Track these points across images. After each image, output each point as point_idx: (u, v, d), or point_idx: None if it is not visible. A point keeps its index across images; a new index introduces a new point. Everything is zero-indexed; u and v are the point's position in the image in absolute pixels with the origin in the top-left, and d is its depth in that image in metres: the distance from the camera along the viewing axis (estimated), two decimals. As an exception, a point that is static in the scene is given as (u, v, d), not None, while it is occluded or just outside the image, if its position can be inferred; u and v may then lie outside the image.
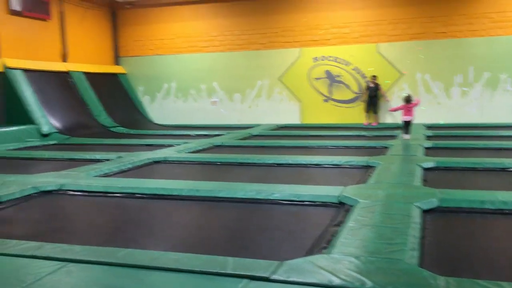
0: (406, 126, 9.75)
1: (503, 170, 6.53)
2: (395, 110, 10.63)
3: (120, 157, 8.21)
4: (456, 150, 8.57)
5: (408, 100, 9.81)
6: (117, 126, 14.58)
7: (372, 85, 14.14)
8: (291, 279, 2.80)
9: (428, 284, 2.66)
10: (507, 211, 4.39)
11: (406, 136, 9.69)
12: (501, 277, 2.88)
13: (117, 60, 17.14)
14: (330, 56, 14.96)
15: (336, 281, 2.75)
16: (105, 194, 5.65)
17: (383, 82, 14.42)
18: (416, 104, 9.91)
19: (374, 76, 14.18)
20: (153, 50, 16.71)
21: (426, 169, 6.57)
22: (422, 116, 13.90)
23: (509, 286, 2.61)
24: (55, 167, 7.55)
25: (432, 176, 6.20)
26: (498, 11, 13.49)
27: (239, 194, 5.21)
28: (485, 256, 3.36)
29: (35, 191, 5.68)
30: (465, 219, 4.28)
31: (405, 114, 9.76)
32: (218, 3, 15.80)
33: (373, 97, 14.13)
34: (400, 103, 10.86)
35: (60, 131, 12.67)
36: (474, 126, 12.80)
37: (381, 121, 14.51)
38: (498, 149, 8.57)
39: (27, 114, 12.19)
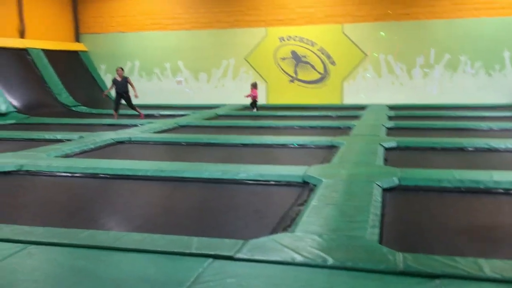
0: (252, 104, 12.80)
1: (461, 149, 6.76)
2: (248, 96, 12.84)
3: (82, 137, 8.03)
4: (417, 130, 8.80)
5: (255, 86, 12.82)
6: (79, 105, 14.22)
7: (119, 79, 11.10)
8: (254, 257, 2.83)
9: (387, 260, 2.76)
10: (463, 189, 4.56)
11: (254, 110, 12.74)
12: (456, 253, 3.00)
13: (77, 37, 16.61)
14: (296, 36, 14.96)
15: (298, 258, 2.81)
16: (66, 174, 5.54)
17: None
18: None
19: (121, 69, 11.43)
20: (114, 27, 16.27)
21: (388, 149, 6.73)
22: (384, 97, 14.20)
23: (463, 260, 2.73)
24: (14, 147, 7.32)
25: (393, 156, 6.36)
26: (458, -6, 13.78)
27: (205, 175, 5.21)
28: (442, 233, 3.50)
29: (-7, 172, 5.52)
30: (423, 197, 4.42)
31: (253, 97, 12.76)
32: (182, -20, 15.51)
33: (124, 93, 11.10)
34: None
35: (19, 110, 12.26)
36: (434, 107, 13.15)
37: (345, 102, 14.70)
38: (456, 129, 8.85)
39: (-18, 93, 11.75)
